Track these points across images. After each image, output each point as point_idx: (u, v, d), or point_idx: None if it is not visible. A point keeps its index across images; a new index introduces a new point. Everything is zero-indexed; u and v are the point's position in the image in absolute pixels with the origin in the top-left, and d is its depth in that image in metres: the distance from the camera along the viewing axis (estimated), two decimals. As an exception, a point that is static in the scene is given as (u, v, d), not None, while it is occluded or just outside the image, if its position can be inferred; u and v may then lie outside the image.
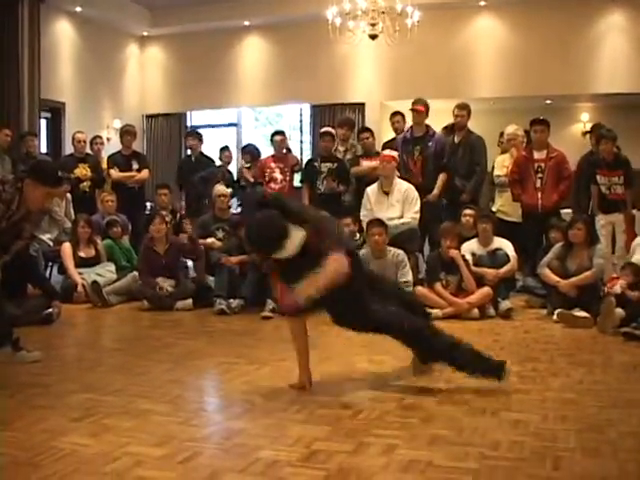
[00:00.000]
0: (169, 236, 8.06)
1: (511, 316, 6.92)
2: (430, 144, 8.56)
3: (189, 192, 10.18)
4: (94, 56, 12.56)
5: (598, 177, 8.04)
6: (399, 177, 8.05)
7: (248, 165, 9.81)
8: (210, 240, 8.18)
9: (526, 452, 3.10)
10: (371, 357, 4.69)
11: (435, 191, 8.44)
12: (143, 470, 2.91)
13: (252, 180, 9.52)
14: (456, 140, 8.82)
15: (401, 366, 4.65)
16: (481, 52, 11.89)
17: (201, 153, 10.40)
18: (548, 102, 12.79)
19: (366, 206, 7.98)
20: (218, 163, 10.35)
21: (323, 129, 9.45)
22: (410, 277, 7.02)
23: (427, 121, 8.67)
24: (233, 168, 10.80)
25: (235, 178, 10.17)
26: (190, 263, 8.47)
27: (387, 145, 8.96)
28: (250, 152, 10.07)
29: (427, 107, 8.60)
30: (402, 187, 7.90)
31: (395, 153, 8.09)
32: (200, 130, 12.39)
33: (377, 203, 7.91)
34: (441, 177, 8.53)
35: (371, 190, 8.03)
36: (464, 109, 8.82)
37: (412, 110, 8.66)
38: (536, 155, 8.09)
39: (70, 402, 3.91)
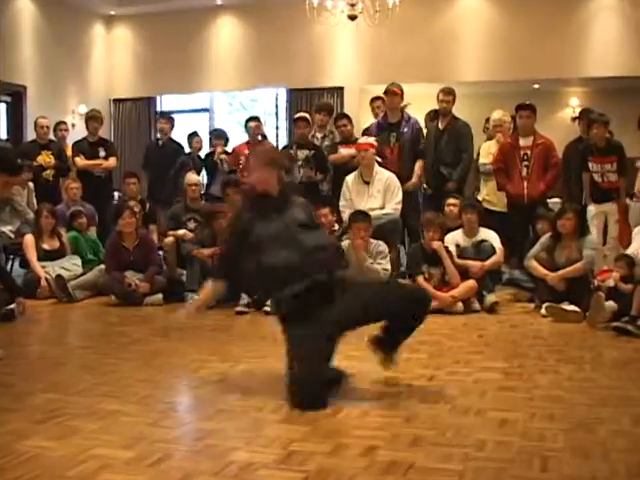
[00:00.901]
0: (139, 231, 7.99)
1: (497, 310, 6.95)
2: (406, 130, 8.59)
3: (151, 178, 10.10)
4: (57, 36, 12.46)
5: (590, 164, 7.92)
6: (380, 165, 8.06)
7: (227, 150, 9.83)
8: (181, 232, 8.15)
9: (513, 452, 3.11)
10: (349, 354, 4.69)
11: (413, 179, 8.48)
12: (110, 474, 2.90)
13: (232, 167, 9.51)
14: (440, 126, 8.84)
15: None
16: (466, 33, 11.92)
17: (170, 138, 10.35)
18: (536, 86, 12.86)
19: (345, 196, 7.99)
20: (187, 150, 10.32)
21: (297, 114, 9.45)
22: (388, 266, 7.09)
23: (410, 107, 8.69)
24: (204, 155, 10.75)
25: (210, 163, 10.07)
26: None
27: (367, 132, 8.98)
28: (224, 136, 10.08)
29: (402, 91, 8.63)
30: (383, 176, 7.91)
31: (372, 139, 8.10)
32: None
33: (357, 193, 7.92)
34: (418, 164, 8.58)
35: (351, 179, 8.03)
36: (450, 94, 8.83)
37: (386, 94, 8.68)
38: (522, 142, 8.09)
39: (34, 403, 3.89)
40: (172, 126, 10.42)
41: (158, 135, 10.64)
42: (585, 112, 9.10)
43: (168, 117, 10.66)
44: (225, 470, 2.93)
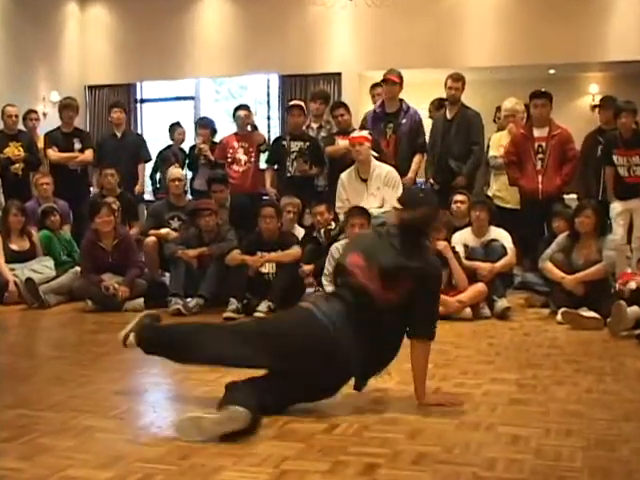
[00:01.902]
0: (118, 229, 7.97)
1: (508, 316, 6.97)
2: (404, 121, 8.60)
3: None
4: (26, 16, 12.39)
5: (615, 157, 7.85)
6: (377, 159, 8.01)
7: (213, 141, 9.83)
8: (164, 231, 8.15)
9: (526, 472, 3.11)
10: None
11: (410, 174, 8.51)
12: (86, 496, 2.90)
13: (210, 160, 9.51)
14: (449, 116, 8.85)
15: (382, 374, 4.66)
16: (475, 14, 11.91)
17: (129, 130, 10.31)
18: (552, 72, 12.86)
19: (341, 196, 7.95)
20: (168, 142, 10.32)
21: (291, 102, 9.46)
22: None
23: (411, 95, 8.69)
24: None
25: (193, 155, 10.06)
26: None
27: (365, 122, 8.97)
28: (211, 126, 10.08)
29: (401, 78, 8.64)
30: (382, 171, 7.87)
31: (366, 132, 8.07)
32: (153, 104, 12.36)
33: (354, 192, 7.87)
34: (416, 159, 8.63)
35: (346, 177, 7.98)
36: (458, 81, 8.82)
37: (384, 81, 8.70)
38: (536, 133, 8.10)
39: (0, 419, 3.87)
40: (127, 115, 10.39)
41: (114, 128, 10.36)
42: (607, 100, 9.03)
43: (122, 106, 10.63)
44: (211, 491, 2.92)
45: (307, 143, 8.90)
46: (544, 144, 8.04)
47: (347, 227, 7.14)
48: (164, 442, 3.59)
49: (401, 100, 8.74)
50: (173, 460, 3.30)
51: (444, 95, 9.03)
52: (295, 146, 8.88)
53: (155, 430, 3.80)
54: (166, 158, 10.00)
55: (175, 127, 10.49)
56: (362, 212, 7.10)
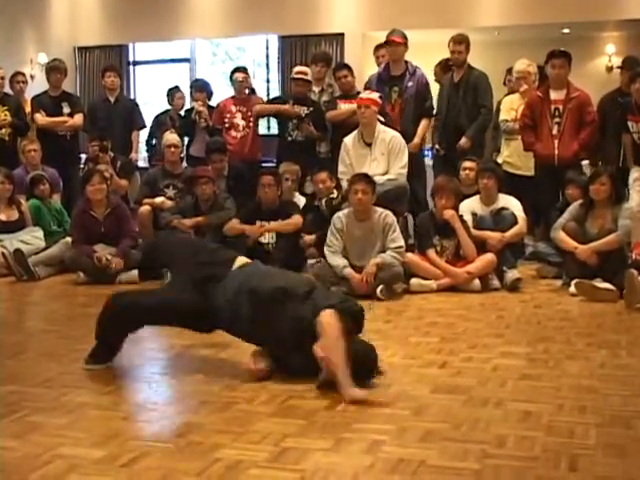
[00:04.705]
0: (111, 198, 7.96)
1: (519, 288, 6.97)
2: (410, 84, 8.57)
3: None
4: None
5: (630, 124, 7.81)
6: (382, 124, 8.01)
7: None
8: (159, 199, 8.15)
9: (537, 450, 3.13)
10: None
11: (415, 140, 8.49)
12: (79, 476, 2.91)
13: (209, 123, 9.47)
14: (455, 79, 8.80)
15: (386, 347, 4.67)
16: (483, -30, 11.85)
17: (122, 95, 10.28)
18: (565, 31, 12.78)
19: (344, 161, 7.93)
20: (162, 107, 10.28)
21: (296, 70, 9.29)
22: (402, 241, 6.96)
23: (418, 57, 8.65)
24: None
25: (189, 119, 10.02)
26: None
27: (369, 85, 8.94)
28: (207, 89, 10.03)
29: (406, 38, 8.60)
30: (387, 136, 7.85)
31: (376, 95, 8.02)
32: (146, 67, 12.29)
33: (357, 157, 7.86)
34: (423, 123, 8.60)
35: (350, 141, 7.97)
36: (461, 43, 8.75)
37: (387, 43, 8.65)
38: (553, 95, 8.03)
39: (-11, 395, 3.90)
40: (120, 79, 10.37)
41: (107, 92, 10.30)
42: (630, 60, 8.85)
43: (116, 69, 10.58)
44: (210, 470, 2.94)
45: (310, 109, 8.86)
46: (561, 107, 7.97)
47: (350, 194, 7.09)
48: (160, 419, 3.61)
49: (407, 62, 8.69)
50: (169, 438, 3.32)
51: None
52: (299, 111, 8.84)
53: (151, 407, 3.82)
54: (162, 123, 9.96)
55: (174, 91, 10.44)
56: (366, 179, 7.02)
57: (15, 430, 3.38)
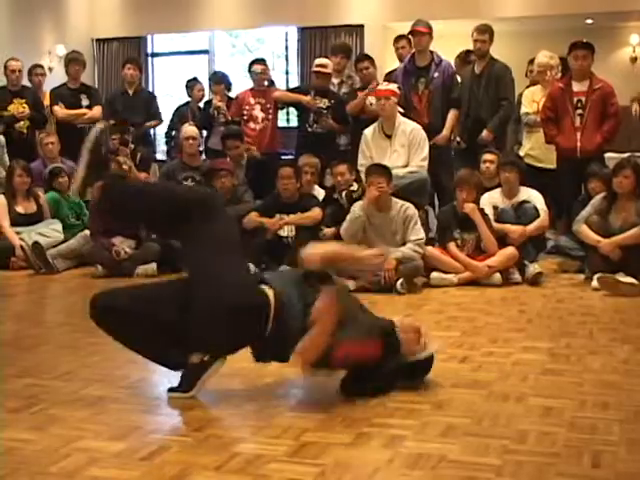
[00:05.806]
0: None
1: (541, 282, 6.96)
2: (436, 75, 8.55)
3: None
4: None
5: None
6: (402, 115, 8.00)
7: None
8: (177, 192, 8.14)
9: (559, 446, 3.12)
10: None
11: (444, 132, 8.47)
12: (98, 469, 2.92)
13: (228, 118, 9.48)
14: (477, 71, 8.78)
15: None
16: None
17: (141, 87, 10.30)
18: (589, 22, 12.73)
19: (365, 153, 7.93)
20: (181, 99, 10.29)
21: (317, 63, 9.26)
22: (422, 234, 6.96)
23: (439, 48, 8.62)
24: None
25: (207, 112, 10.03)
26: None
27: (389, 77, 8.92)
28: (225, 81, 10.03)
29: (430, 28, 8.58)
30: (407, 128, 7.85)
31: (394, 86, 8.02)
32: (164, 58, 12.31)
33: (378, 149, 7.87)
34: (451, 115, 8.55)
35: (370, 133, 7.97)
36: (485, 32, 8.74)
37: (412, 33, 8.63)
38: (576, 87, 8.00)
39: (8, 389, 3.92)
40: (141, 72, 10.38)
41: (126, 86, 10.28)
42: None
43: (135, 61, 10.59)
44: (229, 464, 2.94)
45: (332, 101, 8.85)
46: (584, 99, 7.93)
47: (367, 185, 7.08)
48: (179, 413, 3.62)
49: (432, 52, 8.67)
50: (188, 431, 3.33)
51: (472, 47, 8.96)
52: (321, 103, 8.83)
53: (170, 400, 3.82)
54: (183, 115, 9.97)
55: (193, 83, 10.45)
56: (382, 170, 7.00)
57: (35, 423, 3.40)
